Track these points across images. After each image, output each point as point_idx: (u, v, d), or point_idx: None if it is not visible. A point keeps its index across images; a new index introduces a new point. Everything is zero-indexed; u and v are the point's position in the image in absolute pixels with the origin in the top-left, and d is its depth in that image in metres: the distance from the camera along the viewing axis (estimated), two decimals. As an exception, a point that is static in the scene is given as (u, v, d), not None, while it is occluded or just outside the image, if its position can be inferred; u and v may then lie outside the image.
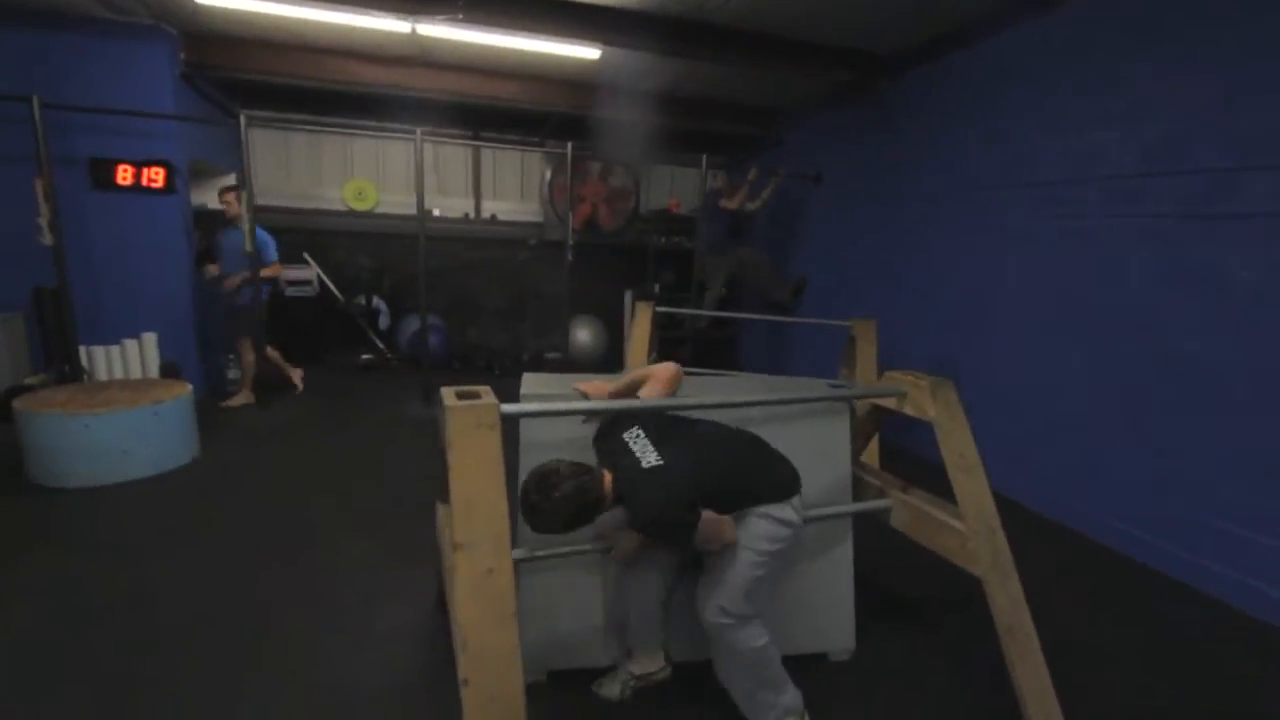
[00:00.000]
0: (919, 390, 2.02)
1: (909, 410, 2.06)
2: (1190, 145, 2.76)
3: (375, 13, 3.48)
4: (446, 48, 4.50)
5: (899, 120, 4.55)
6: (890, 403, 2.12)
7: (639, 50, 4.09)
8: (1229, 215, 2.63)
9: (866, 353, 3.94)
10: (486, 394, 1.51)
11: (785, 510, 1.71)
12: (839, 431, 2.17)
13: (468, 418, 1.41)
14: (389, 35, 4.19)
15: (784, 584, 2.11)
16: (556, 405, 1.66)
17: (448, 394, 1.52)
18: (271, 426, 4.26)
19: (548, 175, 6.37)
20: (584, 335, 6.63)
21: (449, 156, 6.44)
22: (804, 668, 1.89)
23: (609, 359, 6.78)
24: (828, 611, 2.12)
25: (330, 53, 4.79)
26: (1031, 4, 3.40)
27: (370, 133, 5.87)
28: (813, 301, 5.60)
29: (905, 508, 2.11)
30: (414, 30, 3.76)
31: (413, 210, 6.31)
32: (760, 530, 1.69)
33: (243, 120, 4.19)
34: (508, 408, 1.51)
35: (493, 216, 6.65)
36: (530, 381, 2.11)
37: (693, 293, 5.57)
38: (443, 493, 1.86)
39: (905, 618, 2.38)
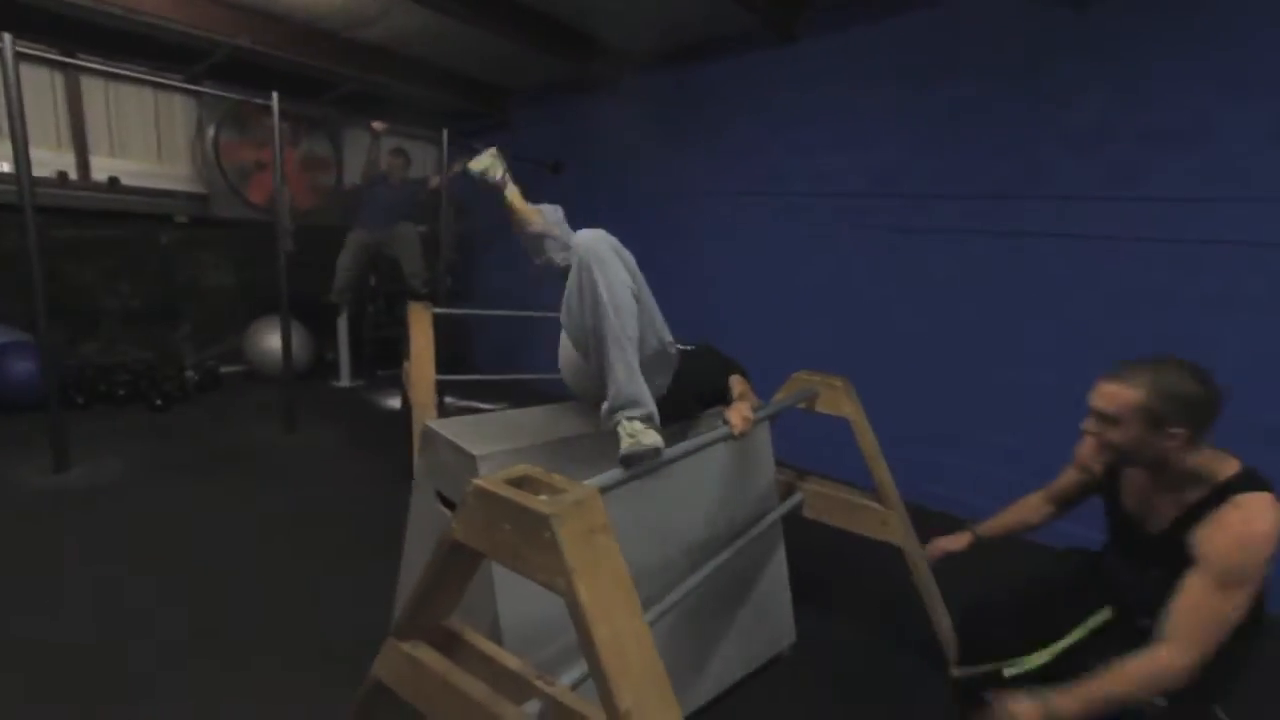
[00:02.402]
0: (833, 390, 2.19)
1: (823, 409, 2.22)
2: (899, 175, 3.59)
3: None
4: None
5: (651, 118, 4.76)
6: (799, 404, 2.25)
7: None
8: (926, 229, 3.54)
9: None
10: (558, 480, 1.05)
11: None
12: (763, 439, 2.20)
13: (577, 524, 0.96)
14: None
15: (734, 606, 2.07)
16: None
17: (498, 486, 1.01)
18: None
19: (211, 131, 4.70)
20: (274, 341, 5.22)
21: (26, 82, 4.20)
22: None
23: (315, 369, 5.50)
24: (774, 614, 2.17)
25: None
26: (770, 35, 3.91)
27: None
28: (547, 295, 5.51)
29: (818, 497, 2.28)
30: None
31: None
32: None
33: None
34: (593, 482, 1.09)
35: (111, 180, 4.62)
36: (469, 433, 1.56)
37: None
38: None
39: (826, 595, 2.55)
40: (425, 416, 3.29)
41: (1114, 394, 1.29)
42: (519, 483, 1.07)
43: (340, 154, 5.57)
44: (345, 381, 5.37)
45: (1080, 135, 3.02)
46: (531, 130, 5.72)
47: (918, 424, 3.57)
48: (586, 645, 0.93)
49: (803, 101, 3.93)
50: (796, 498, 2.25)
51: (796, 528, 2.27)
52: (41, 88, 4.29)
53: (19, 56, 2.84)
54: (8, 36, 2.78)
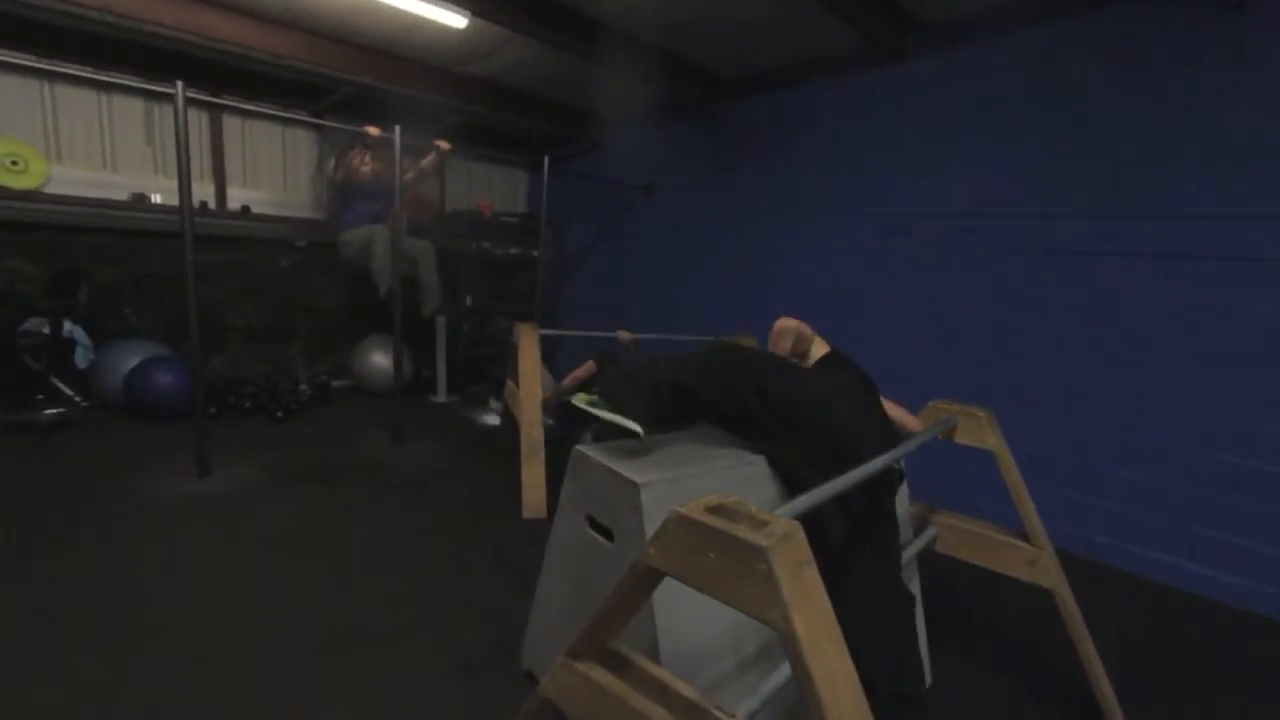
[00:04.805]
0: (975, 420, 2.11)
1: (962, 440, 2.14)
2: (1016, 194, 3.46)
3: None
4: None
5: (746, 141, 4.80)
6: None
7: (514, 30, 3.52)
8: (1046, 251, 3.38)
9: (755, 369, 4.06)
10: (754, 510, 1.07)
11: None
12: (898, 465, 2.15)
13: (789, 557, 0.97)
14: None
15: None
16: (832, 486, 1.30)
17: (701, 515, 1.03)
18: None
19: (331, 161, 5.09)
20: (380, 358, 5.54)
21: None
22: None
23: (414, 385, 5.78)
24: (909, 654, 2.09)
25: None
26: (883, 54, 3.87)
27: (73, 73, 3.94)
28: (642, 315, 5.59)
29: (953, 532, 2.20)
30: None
31: (108, 191, 4.48)
32: None
33: None
34: (785, 511, 1.11)
35: (244, 208, 5.06)
36: (623, 459, 1.60)
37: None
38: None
39: (963, 638, 2.40)
40: (534, 435, 3.41)
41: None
42: (714, 511, 1.09)
43: (443, 180, 5.89)
44: (442, 397, 5.61)
45: (1229, 152, 2.83)
46: (623, 154, 5.87)
47: (1041, 457, 3.38)
48: (803, 681, 0.93)
49: (912, 120, 3.87)
50: (931, 532, 2.17)
51: (927, 564, 2.19)
52: (191, 125, 4.76)
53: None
54: (180, 84, 3.11)
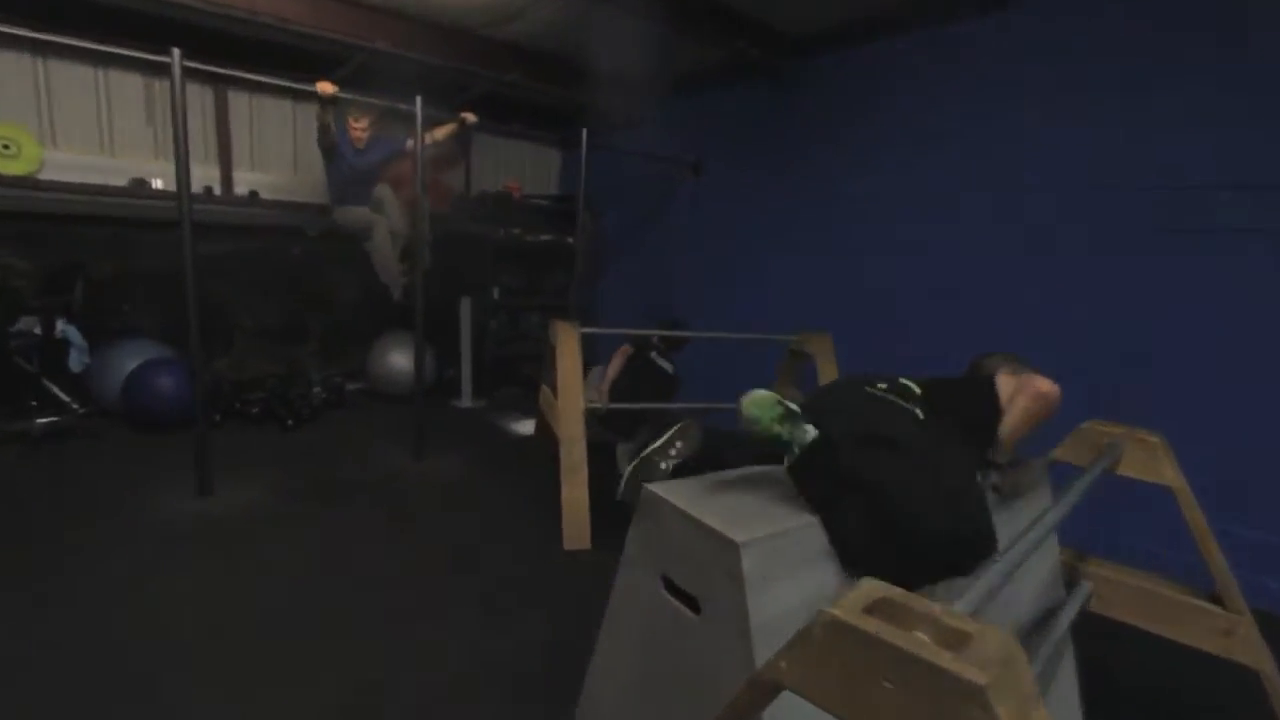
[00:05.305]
0: (1145, 448, 1.79)
1: (1129, 472, 1.81)
2: (1158, 159, 3.06)
3: None
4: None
5: (815, 107, 4.47)
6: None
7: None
8: (1206, 230, 2.98)
9: (829, 375, 3.75)
10: (939, 612, 0.78)
11: None
12: (1045, 505, 1.83)
13: (1013, 696, 0.68)
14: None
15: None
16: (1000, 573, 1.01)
17: (867, 623, 0.75)
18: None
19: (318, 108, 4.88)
20: (399, 358, 5.38)
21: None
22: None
23: (436, 387, 5.60)
24: (1061, 745, 1.78)
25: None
26: (974, 4, 3.50)
27: (67, 43, 3.84)
28: (691, 311, 5.29)
29: (1113, 587, 1.87)
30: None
31: (106, 177, 4.38)
32: None
33: None
34: (965, 607, 0.82)
35: (251, 194, 4.93)
36: (707, 505, 1.33)
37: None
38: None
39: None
40: (574, 451, 3.16)
41: None
42: (873, 610, 0.81)
43: (469, 157, 5.69)
44: (467, 402, 5.43)
45: None
46: (667, 127, 5.57)
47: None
48: None
49: (1018, 76, 3.49)
50: (1085, 589, 1.85)
51: (1079, 626, 1.86)
52: (193, 102, 4.65)
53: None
54: (177, 52, 2.94)
